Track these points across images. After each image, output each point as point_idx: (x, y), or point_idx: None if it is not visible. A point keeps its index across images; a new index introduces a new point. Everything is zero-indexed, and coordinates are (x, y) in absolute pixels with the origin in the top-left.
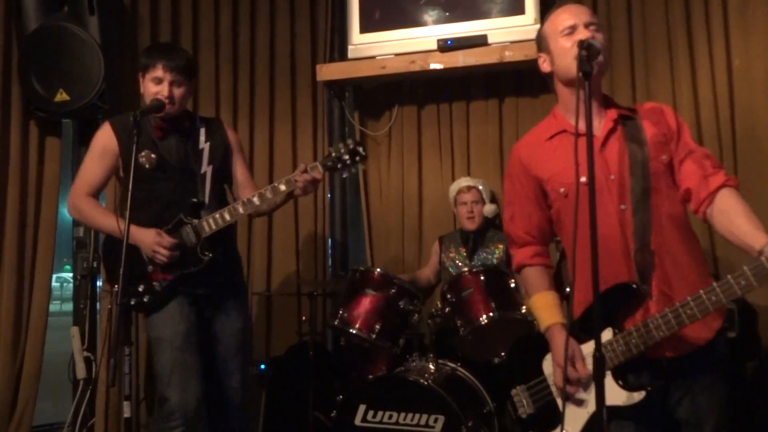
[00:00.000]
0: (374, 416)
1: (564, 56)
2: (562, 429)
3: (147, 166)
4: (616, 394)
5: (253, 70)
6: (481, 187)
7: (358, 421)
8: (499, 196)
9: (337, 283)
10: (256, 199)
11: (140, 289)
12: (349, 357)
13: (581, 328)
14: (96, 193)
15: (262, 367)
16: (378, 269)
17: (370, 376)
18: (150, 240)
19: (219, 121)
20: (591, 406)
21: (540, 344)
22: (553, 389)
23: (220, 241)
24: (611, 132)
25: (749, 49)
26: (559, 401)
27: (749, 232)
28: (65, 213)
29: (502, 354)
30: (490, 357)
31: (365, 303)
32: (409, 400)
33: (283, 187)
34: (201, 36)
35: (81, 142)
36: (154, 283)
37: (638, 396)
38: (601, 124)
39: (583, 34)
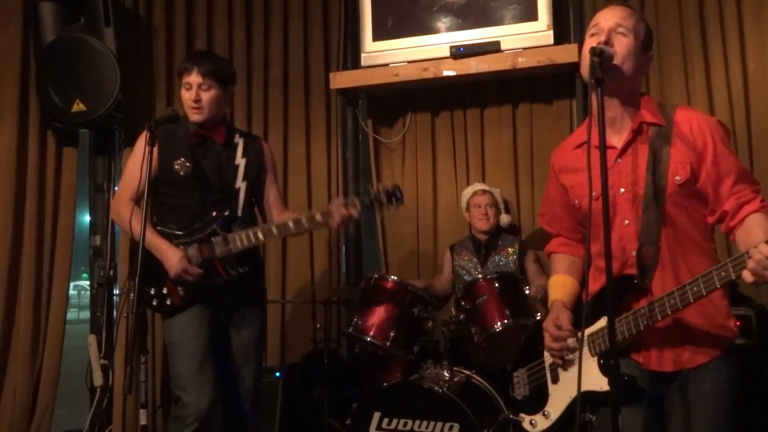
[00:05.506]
0: (389, 424)
1: (584, 60)
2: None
3: (181, 173)
4: (595, 379)
5: (266, 78)
6: (496, 194)
7: (373, 429)
8: (513, 203)
9: (351, 290)
10: (291, 225)
11: (164, 291)
12: (363, 364)
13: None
14: (138, 196)
15: (277, 374)
16: (392, 277)
17: (385, 384)
18: (176, 262)
19: (258, 138)
20: (573, 390)
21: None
22: (547, 371)
23: (248, 255)
24: (630, 143)
25: (765, 52)
26: (549, 383)
27: (758, 238)
28: (82, 222)
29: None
30: (505, 364)
31: (379, 310)
32: (424, 408)
33: (319, 218)
34: (215, 46)
35: (98, 152)
36: (178, 288)
37: None
38: (623, 134)
39: (598, 38)
